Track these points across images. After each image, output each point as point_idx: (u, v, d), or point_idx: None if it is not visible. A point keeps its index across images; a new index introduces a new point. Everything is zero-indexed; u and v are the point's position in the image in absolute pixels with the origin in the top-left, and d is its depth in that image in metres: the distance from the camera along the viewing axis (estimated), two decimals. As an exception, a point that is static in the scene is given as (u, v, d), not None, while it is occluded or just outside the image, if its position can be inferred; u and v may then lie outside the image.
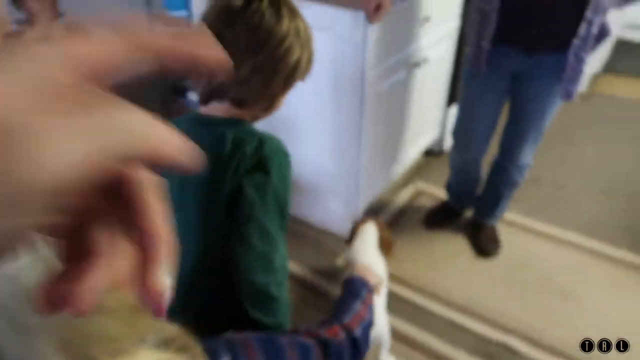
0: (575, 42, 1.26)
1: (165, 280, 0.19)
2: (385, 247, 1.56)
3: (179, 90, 2.29)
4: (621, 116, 2.78)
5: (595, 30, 1.24)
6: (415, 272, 1.75)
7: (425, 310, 1.64)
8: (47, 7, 1.93)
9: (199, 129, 0.80)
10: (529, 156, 1.63)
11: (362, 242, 1.56)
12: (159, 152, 0.17)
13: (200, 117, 0.81)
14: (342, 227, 1.92)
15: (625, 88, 3.04)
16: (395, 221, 2.05)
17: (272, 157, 0.75)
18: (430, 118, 2.19)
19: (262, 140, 0.76)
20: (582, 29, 1.24)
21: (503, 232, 1.94)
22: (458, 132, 1.73)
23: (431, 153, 2.40)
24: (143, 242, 0.19)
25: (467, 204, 1.96)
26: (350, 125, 1.66)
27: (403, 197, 2.18)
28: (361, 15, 1.41)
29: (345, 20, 1.45)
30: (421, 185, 2.24)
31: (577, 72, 1.31)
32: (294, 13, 0.76)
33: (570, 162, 2.40)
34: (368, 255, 1.50)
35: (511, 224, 2.00)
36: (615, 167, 2.35)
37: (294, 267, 1.77)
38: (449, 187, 1.96)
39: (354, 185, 1.81)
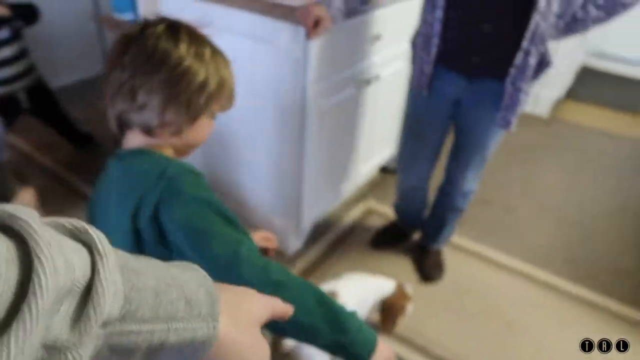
0: (512, 71, 1.24)
1: None
2: (388, 315, 1.48)
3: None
4: (580, 143, 2.80)
5: (533, 60, 1.22)
6: (355, 295, 1.69)
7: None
8: None
9: (114, 164, 0.79)
10: (472, 182, 1.60)
11: (364, 278, 1.46)
12: None
13: (119, 152, 0.79)
14: (286, 245, 1.86)
15: (587, 115, 3.07)
16: (342, 239, 2.00)
17: (178, 176, 0.73)
18: (384, 136, 2.15)
19: (165, 165, 0.74)
20: (518, 58, 1.21)
21: (449, 256, 1.91)
22: (403, 155, 1.69)
23: (387, 170, 2.37)
24: None
25: (415, 226, 1.93)
26: (291, 140, 1.61)
27: (353, 214, 2.13)
28: (301, 29, 1.36)
29: (286, 33, 1.40)
30: (373, 203, 2.20)
31: (515, 101, 1.28)
32: (195, 38, 0.75)
33: (523, 186, 2.39)
34: (355, 288, 1.39)
35: (458, 248, 1.97)
36: (569, 195, 2.35)
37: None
38: (397, 208, 1.92)
39: (297, 203, 1.75)
